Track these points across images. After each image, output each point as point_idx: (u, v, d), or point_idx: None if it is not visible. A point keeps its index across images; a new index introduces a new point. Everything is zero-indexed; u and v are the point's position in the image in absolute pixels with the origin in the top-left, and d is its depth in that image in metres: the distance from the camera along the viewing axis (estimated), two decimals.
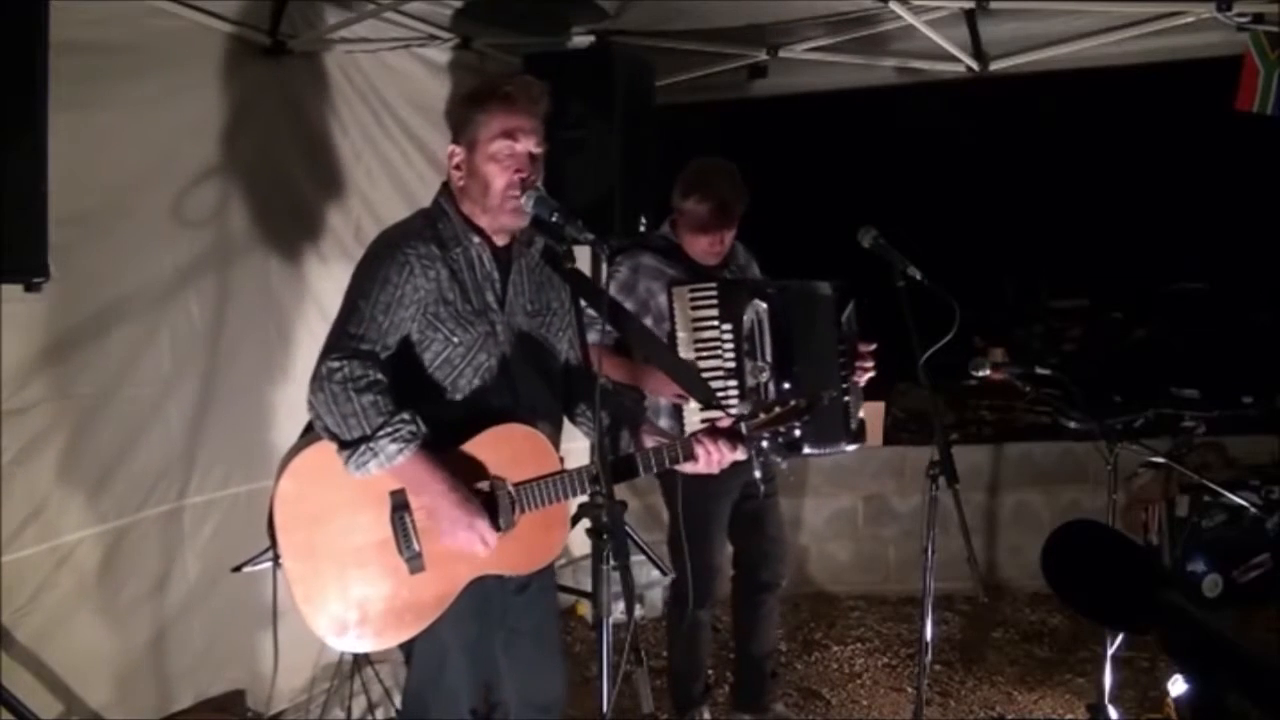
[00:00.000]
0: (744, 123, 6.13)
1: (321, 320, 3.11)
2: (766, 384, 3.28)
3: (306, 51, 3.63)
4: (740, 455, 2.50)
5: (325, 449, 2.25)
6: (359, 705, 3.39)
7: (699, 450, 2.44)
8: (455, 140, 2.43)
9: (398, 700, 3.37)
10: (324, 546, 2.26)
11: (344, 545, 2.27)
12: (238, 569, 2.98)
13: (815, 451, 3.55)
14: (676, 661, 3.74)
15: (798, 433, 2.52)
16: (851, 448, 3.52)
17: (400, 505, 2.28)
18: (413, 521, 2.28)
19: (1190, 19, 3.76)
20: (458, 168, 2.42)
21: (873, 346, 3.45)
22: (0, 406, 2.74)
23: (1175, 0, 3.75)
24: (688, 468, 2.48)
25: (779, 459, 3.56)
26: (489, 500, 2.31)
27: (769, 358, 3.32)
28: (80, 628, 2.98)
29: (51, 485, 2.91)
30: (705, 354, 3.34)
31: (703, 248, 3.52)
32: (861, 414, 3.53)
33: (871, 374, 3.48)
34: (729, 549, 3.73)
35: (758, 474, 3.52)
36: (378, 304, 2.28)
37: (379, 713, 3.47)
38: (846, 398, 3.39)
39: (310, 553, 2.26)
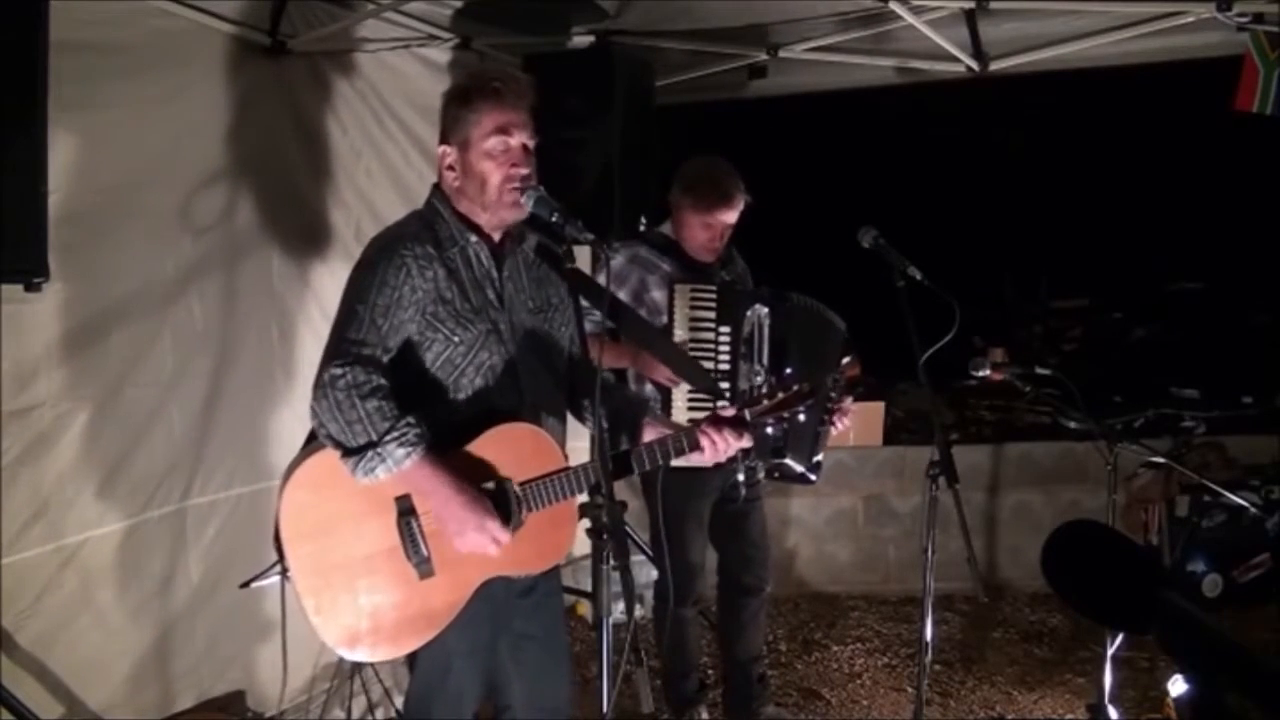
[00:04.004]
0: (744, 123, 6.11)
1: (324, 319, 3.11)
2: (760, 387, 3.28)
3: (306, 51, 3.63)
4: (746, 443, 2.48)
5: (327, 458, 2.23)
6: (359, 705, 3.40)
7: (704, 440, 2.43)
8: (445, 140, 2.41)
9: (398, 700, 3.38)
10: (332, 557, 2.23)
11: (352, 555, 2.24)
12: (245, 585, 2.98)
13: (788, 462, 3.45)
14: (666, 660, 3.76)
15: (802, 417, 2.51)
16: (808, 478, 3.51)
17: (406, 510, 2.26)
18: (420, 526, 2.26)
19: (1190, 19, 3.77)
20: (451, 168, 2.40)
21: (850, 402, 3.43)
22: (2, 407, 2.74)
23: (1175, 0, 3.76)
24: (694, 458, 2.46)
25: (761, 463, 3.57)
26: (495, 500, 2.29)
27: (765, 361, 3.34)
28: (83, 629, 2.98)
29: (55, 486, 2.91)
30: (700, 354, 3.35)
31: (701, 241, 3.51)
32: (820, 457, 3.53)
33: (841, 427, 3.49)
34: (709, 548, 3.73)
35: (740, 477, 3.53)
36: (376, 307, 2.25)
37: (379, 713, 3.48)
38: (820, 428, 3.40)
39: (319, 565, 2.23)
